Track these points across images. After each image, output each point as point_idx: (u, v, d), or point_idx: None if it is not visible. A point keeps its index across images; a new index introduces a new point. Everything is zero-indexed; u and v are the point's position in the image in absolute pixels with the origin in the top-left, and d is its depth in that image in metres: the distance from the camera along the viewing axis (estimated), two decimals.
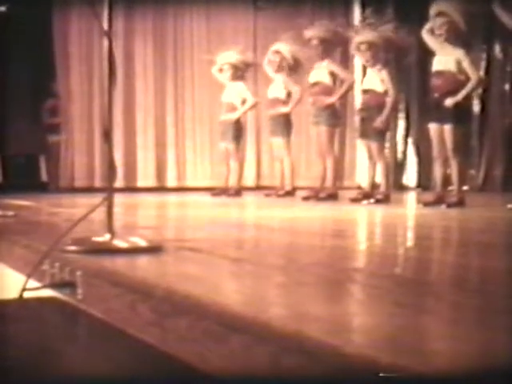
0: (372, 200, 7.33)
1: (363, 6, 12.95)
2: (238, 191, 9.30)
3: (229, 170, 9.43)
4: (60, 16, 11.17)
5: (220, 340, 1.58)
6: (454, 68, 6.45)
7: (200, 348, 1.65)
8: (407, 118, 12.52)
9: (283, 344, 1.40)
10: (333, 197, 8.05)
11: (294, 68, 8.95)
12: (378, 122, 7.31)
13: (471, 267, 2.63)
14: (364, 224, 5.43)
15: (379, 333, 1.42)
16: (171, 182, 11.86)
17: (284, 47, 8.93)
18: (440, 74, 6.54)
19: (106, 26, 2.55)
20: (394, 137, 12.43)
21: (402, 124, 12.55)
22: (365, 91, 7.63)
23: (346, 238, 3.93)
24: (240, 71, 9.33)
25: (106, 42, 2.55)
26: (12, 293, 2.50)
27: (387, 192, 7.48)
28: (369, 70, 7.64)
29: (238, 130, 9.35)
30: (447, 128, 6.43)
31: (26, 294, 2.43)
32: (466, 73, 6.45)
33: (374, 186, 7.66)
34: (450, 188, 6.71)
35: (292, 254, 3.07)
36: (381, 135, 7.53)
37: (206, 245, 3.15)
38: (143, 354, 1.85)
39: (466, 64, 6.43)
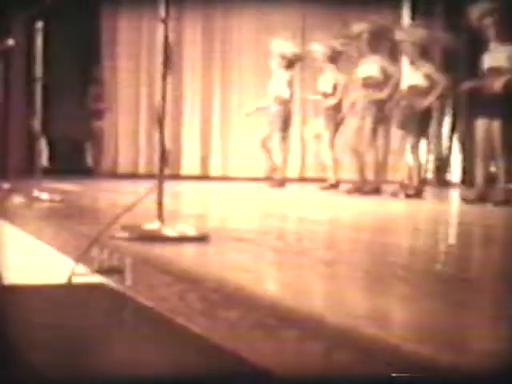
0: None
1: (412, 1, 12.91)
2: (282, 182, 9.24)
3: (271, 159, 9.40)
4: (109, 2, 11.23)
5: (270, 332, 1.57)
6: (507, 63, 6.36)
7: (249, 339, 1.64)
8: (454, 114, 12.40)
9: (334, 338, 1.39)
10: (376, 191, 7.99)
11: (336, 59, 8.90)
12: (424, 103, 7.28)
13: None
14: (399, 219, 5.39)
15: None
16: (215, 171, 11.87)
17: (317, 47, 8.93)
18: (493, 70, 6.45)
19: (163, 13, 2.55)
20: (439, 133, 12.34)
21: (447, 120, 12.44)
22: (409, 87, 7.60)
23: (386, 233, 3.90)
24: (289, 61, 9.26)
25: (162, 29, 2.54)
26: (61, 277, 2.52)
27: (420, 187, 7.44)
28: (413, 67, 7.60)
29: (285, 121, 9.28)
30: (496, 124, 6.35)
31: (75, 280, 2.44)
32: None
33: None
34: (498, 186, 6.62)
35: (338, 246, 3.05)
36: (419, 131, 7.52)
37: (251, 235, 3.14)
38: (191, 343, 1.84)
39: None
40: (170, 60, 2.55)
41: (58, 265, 2.94)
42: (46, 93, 5.22)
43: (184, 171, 11.62)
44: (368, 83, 8.07)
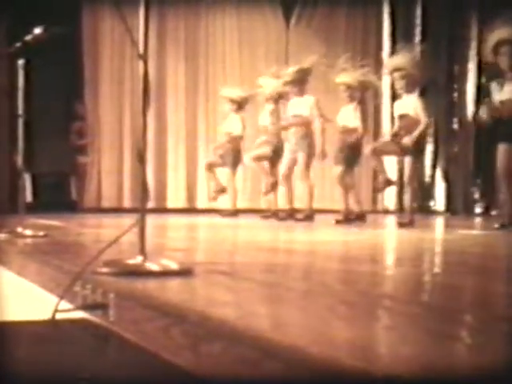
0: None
1: (393, 18, 13.05)
2: (234, 212, 9.80)
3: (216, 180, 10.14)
4: (90, 37, 11.29)
5: (253, 366, 1.56)
6: None
7: (233, 373, 1.63)
8: (436, 142, 12.49)
9: (314, 368, 1.39)
10: (361, 218, 8.27)
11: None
12: (408, 140, 7.34)
13: None
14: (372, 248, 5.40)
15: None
16: (201, 203, 11.85)
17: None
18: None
19: (141, 49, 2.56)
20: (422, 161, 12.44)
21: (429, 148, 12.52)
22: (400, 116, 7.71)
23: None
24: (239, 104, 10.01)
25: (141, 65, 2.55)
26: (44, 314, 2.51)
27: (411, 216, 7.55)
28: (403, 97, 7.71)
29: (235, 157, 9.99)
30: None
31: (58, 316, 2.43)
32: None
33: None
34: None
35: (321, 277, 3.05)
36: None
37: (236, 268, 3.14)
38: (175, 377, 1.83)
39: None
40: (148, 95, 2.56)
41: (41, 301, 2.93)
42: (29, 129, 5.23)
43: (170, 204, 11.62)
44: (297, 120, 8.79)
